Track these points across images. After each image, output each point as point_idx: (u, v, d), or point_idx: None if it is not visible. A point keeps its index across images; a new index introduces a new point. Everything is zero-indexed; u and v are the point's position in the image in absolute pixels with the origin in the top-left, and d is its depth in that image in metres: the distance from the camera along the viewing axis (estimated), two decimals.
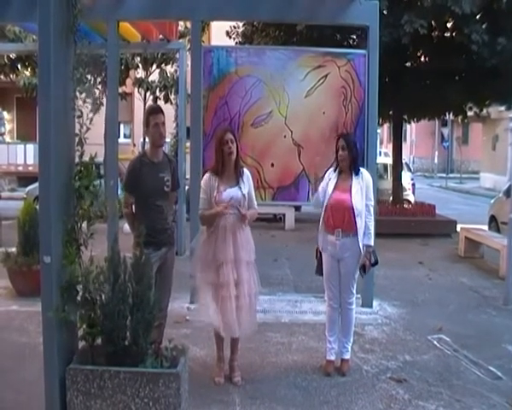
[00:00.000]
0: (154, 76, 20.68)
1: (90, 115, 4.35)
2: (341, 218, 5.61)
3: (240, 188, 5.39)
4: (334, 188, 5.73)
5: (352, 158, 5.72)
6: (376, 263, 5.84)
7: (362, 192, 5.65)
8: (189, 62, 10.27)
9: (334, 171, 5.86)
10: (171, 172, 5.48)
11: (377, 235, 5.86)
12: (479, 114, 17.54)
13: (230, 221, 5.31)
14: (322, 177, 6.13)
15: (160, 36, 12.25)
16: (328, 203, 5.71)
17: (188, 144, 9.81)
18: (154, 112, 5.44)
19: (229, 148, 5.34)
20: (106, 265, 4.14)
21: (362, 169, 5.84)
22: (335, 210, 5.64)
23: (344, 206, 5.61)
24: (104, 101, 13.07)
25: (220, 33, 17.31)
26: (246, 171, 5.59)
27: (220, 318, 5.29)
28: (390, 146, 22.73)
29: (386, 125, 30.48)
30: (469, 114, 17.35)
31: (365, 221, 5.62)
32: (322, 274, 5.87)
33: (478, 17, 12.52)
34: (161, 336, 5.17)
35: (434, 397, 5.23)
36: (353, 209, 5.57)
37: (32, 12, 4.60)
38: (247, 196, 5.41)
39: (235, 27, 16.62)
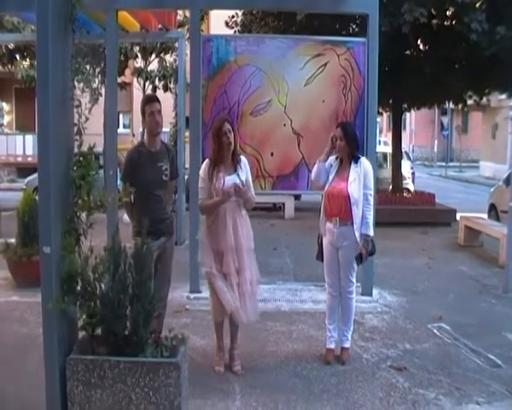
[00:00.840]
0: (154, 65, 20.65)
1: (89, 105, 4.34)
2: (338, 206, 5.61)
3: (238, 175, 5.39)
4: (334, 176, 5.73)
5: (351, 147, 5.69)
6: (373, 253, 5.83)
7: (359, 181, 5.63)
8: (188, 51, 10.24)
9: (336, 159, 5.85)
10: (170, 161, 5.47)
11: (377, 224, 5.86)
12: (479, 103, 17.51)
13: (230, 208, 5.32)
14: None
15: (159, 25, 12.19)
16: (326, 191, 5.73)
17: (187, 134, 9.79)
18: (149, 101, 5.41)
19: (228, 138, 5.34)
20: (105, 255, 4.14)
21: (362, 158, 5.82)
22: (333, 198, 5.65)
23: (341, 194, 5.60)
24: (103, 91, 13.04)
25: (219, 23, 17.23)
26: (243, 158, 5.60)
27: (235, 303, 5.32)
28: (389, 135, 22.70)
29: (385, 114, 30.41)
30: (469, 102, 17.31)
31: (363, 210, 5.61)
32: (322, 260, 5.88)
33: (477, 5, 12.48)
34: (161, 325, 5.18)
35: (434, 385, 5.25)
36: (349, 197, 5.56)
37: (30, 1, 4.57)
38: (245, 183, 5.41)
39: (233, 17, 16.55)
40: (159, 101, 5.41)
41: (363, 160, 5.80)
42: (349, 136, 5.69)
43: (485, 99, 18.17)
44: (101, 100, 12.17)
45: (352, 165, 5.69)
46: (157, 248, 5.20)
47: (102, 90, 14.20)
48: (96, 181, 4.25)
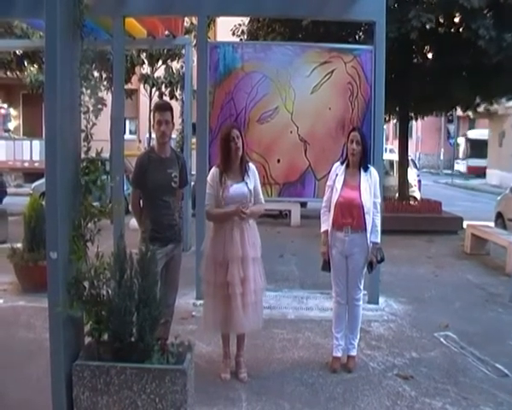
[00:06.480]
0: (160, 72, 20.72)
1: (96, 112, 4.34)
2: (350, 215, 5.57)
3: (246, 183, 5.37)
4: (343, 185, 5.67)
5: (364, 153, 5.68)
6: (383, 260, 5.81)
7: (370, 190, 5.62)
8: (194, 58, 10.27)
9: (342, 164, 5.82)
10: (180, 168, 5.46)
11: (383, 231, 5.83)
12: (488, 109, 17.47)
13: (237, 218, 5.30)
14: (328, 173, 6.08)
15: (166, 32, 12.24)
16: (337, 201, 5.64)
17: (194, 140, 9.80)
18: (158, 109, 5.40)
19: (236, 144, 5.33)
20: (112, 261, 4.14)
21: (371, 167, 5.80)
22: (345, 208, 5.60)
23: (353, 204, 5.57)
24: (108, 98, 13.09)
25: (225, 31, 17.28)
26: (251, 165, 5.57)
27: (221, 316, 5.33)
28: (396, 143, 22.68)
29: (391, 122, 30.39)
30: (478, 109, 17.29)
31: (373, 218, 5.61)
32: (328, 270, 5.83)
33: (485, 12, 12.47)
34: (168, 332, 5.17)
35: (441, 394, 5.22)
36: (363, 207, 5.54)
37: (38, 8, 4.58)
38: (253, 191, 5.40)
39: (240, 25, 16.58)
40: (171, 109, 5.38)
41: (372, 169, 5.79)
42: (365, 141, 5.69)
43: (492, 106, 18.13)
44: (108, 105, 12.21)
45: (362, 173, 5.66)
46: (164, 256, 5.19)
47: (108, 96, 14.25)
48: (106, 186, 4.26)
